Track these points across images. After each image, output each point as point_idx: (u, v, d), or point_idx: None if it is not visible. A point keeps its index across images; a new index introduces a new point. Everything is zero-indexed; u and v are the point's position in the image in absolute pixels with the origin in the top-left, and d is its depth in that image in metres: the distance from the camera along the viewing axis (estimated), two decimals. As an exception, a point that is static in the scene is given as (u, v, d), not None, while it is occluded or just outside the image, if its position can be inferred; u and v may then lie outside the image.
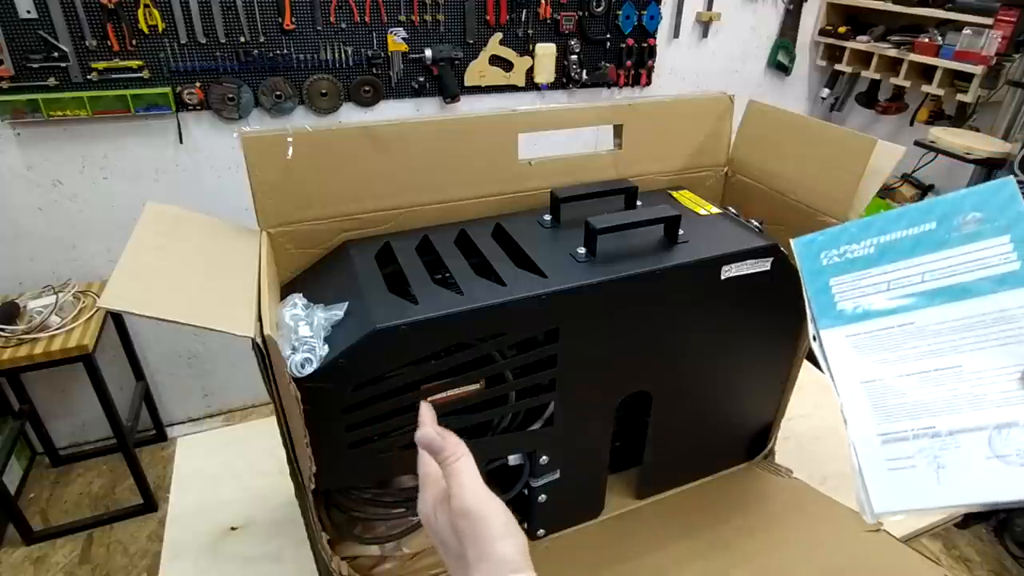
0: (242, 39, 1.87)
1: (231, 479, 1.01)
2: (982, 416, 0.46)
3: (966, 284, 0.49)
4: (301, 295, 0.66)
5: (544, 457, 0.78)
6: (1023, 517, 1.77)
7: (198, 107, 1.90)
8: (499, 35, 2.15)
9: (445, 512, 0.44)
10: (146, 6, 1.74)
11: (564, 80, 2.32)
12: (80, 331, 1.71)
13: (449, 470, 0.45)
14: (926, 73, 2.22)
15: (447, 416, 0.70)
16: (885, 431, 0.48)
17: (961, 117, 2.24)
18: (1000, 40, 1.94)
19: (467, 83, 2.18)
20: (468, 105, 2.22)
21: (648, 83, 2.46)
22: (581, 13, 2.22)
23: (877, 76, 2.40)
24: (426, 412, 0.50)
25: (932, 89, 2.18)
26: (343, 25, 1.96)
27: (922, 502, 0.46)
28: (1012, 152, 1.81)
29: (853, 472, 0.48)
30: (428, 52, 2.07)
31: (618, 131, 0.91)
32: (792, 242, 0.56)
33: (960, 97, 2.12)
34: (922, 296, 0.50)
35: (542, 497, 0.81)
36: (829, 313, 0.53)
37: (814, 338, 0.53)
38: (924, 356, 0.49)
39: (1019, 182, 0.48)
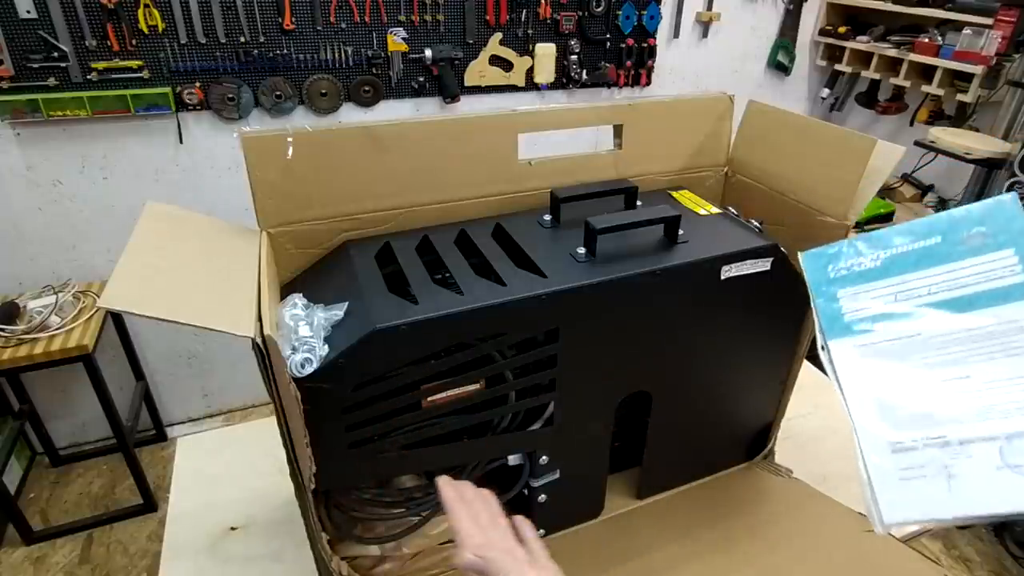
0: (242, 39, 1.87)
1: (231, 479, 1.01)
2: (993, 426, 0.46)
3: (972, 296, 0.49)
4: (301, 295, 0.66)
5: (544, 457, 0.78)
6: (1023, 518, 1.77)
7: (198, 107, 1.90)
8: (499, 35, 2.15)
9: None
10: (146, 6, 1.74)
11: (564, 80, 2.31)
12: (80, 331, 1.71)
13: None
14: (926, 73, 2.22)
15: (447, 416, 0.70)
16: (895, 440, 0.47)
17: (961, 117, 2.24)
18: (1000, 40, 1.94)
19: (467, 83, 2.18)
20: (468, 105, 2.22)
21: (648, 83, 2.46)
22: (581, 13, 2.22)
23: (877, 76, 2.39)
24: (468, 528, 0.48)
25: (932, 89, 2.18)
26: (343, 25, 1.96)
27: (933, 512, 0.46)
28: (1012, 152, 1.81)
29: (862, 482, 0.48)
30: (428, 52, 2.07)
31: (618, 131, 0.91)
32: (800, 256, 0.57)
33: (960, 97, 2.12)
34: (929, 307, 0.50)
35: (542, 497, 0.81)
36: (837, 324, 0.53)
37: (822, 348, 0.53)
38: (933, 366, 0.49)
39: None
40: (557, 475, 0.80)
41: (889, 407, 0.49)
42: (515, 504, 0.85)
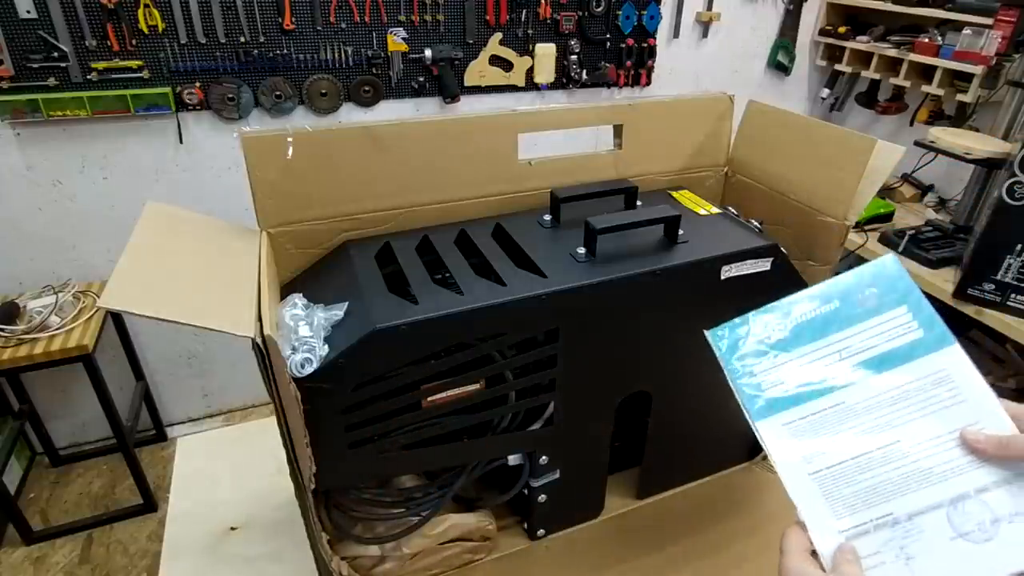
0: (242, 39, 1.87)
1: (231, 479, 1.01)
2: (934, 492, 0.45)
3: (882, 356, 0.49)
4: (301, 295, 0.66)
5: (544, 457, 0.78)
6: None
7: (198, 107, 1.90)
8: (499, 35, 2.15)
9: None
10: (146, 6, 1.74)
11: (564, 80, 2.31)
12: (80, 331, 1.71)
13: None
14: (926, 73, 2.22)
15: (447, 416, 0.70)
16: (845, 527, 0.45)
17: (961, 117, 2.24)
18: (1000, 40, 1.94)
19: (467, 83, 2.18)
20: (468, 105, 2.22)
21: (648, 83, 2.46)
22: (581, 13, 2.22)
23: (877, 76, 2.39)
24: None
25: (932, 89, 2.18)
26: (343, 25, 1.96)
27: None
28: (1012, 152, 1.80)
29: None
30: (428, 52, 2.07)
31: (618, 131, 0.91)
32: (706, 333, 0.55)
33: (960, 97, 2.12)
34: (844, 373, 0.49)
35: (542, 497, 0.81)
36: (760, 403, 0.51)
37: (753, 430, 0.51)
38: (862, 435, 0.47)
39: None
40: (557, 475, 0.80)
41: (831, 487, 0.47)
42: (515, 504, 0.85)
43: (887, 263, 0.51)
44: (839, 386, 0.49)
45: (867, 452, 0.47)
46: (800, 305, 0.52)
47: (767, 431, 0.50)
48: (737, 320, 0.54)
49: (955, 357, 0.48)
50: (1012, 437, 0.45)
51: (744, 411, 0.51)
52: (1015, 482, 0.44)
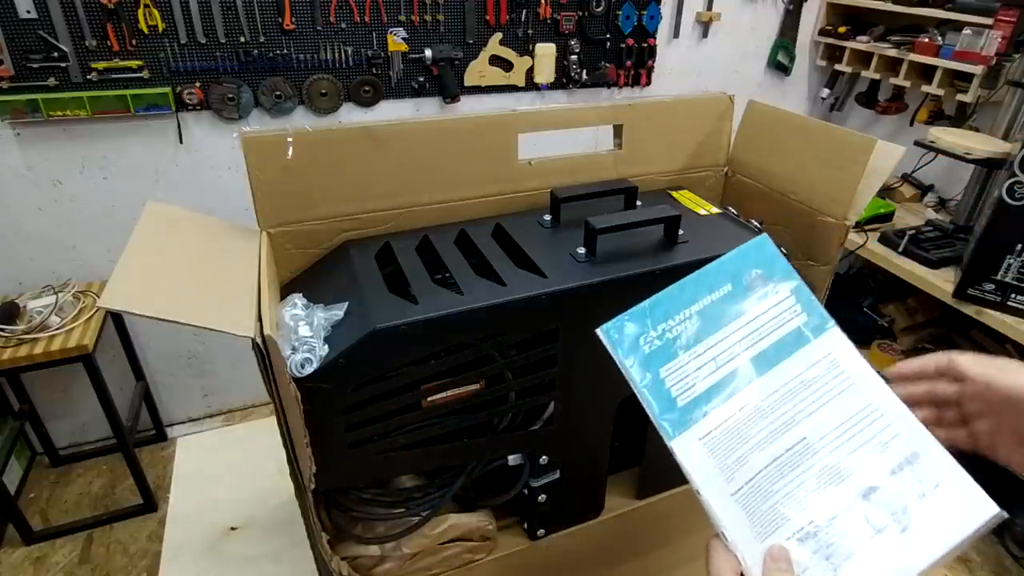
0: (242, 39, 1.87)
1: (231, 479, 1.01)
2: (847, 489, 0.43)
3: (776, 345, 0.47)
4: (301, 295, 0.66)
5: (544, 457, 0.78)
6: (1023, 517, 1.77)
7: (198, 107, 1.90)
8: (499, 35, 2.15)
9: None
10: (146, 6, 1.74)
11: (564, 80, 2.31)
12: (80, 331, 1.71)
13: None
14: (926, 73, 2.22)
15: (447, 416, 0.70)
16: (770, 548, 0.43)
17: (961, 117, 2.24)
18: (1000, 40, 1.94)
19: (467, 83, 2.18)
20: (468, 105, 2.22)
21: (648, 83, 2.46)
22: (581, 13, 2.22)
23: (877, 76, 2.39)
24: None
25: (932, 89, 2.18)
26: (343, 25, 1.96)
27: None
28: (1012, 152, 1.80)
29: None
30: (428, 52, 2.07)
31: (618, 131, 0.91)
32: (599, 332, 0.49)
33: (960, 97, 2.12)
34: (746, 368, 0.47)
35: (542, 497, 0.81)
36: (671, 414, 0.46)
37: (668, 447, 0.47)
38: (772, 438, 0.45)
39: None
40: (557, 475, 0.80)
41: (753, 504, 0.44)
42: (515, 504, 0.85)
43: (763, 242, 0.50)
44: (744, 385, 0.47)
45: (778, 457, 0.45)
46: (696, 292, 0.49)
47: (683, 450, 0.46)
48: (632, 312, 0.49)
49: (836, 339, 0.47)
50: (920, 361, 0.46)
51: (656, 423, 0.47)
52: (915, 460, 0.44)
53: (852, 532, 0.43)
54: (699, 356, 0.48)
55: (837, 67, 2.58)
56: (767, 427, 0.46)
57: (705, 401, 0.47)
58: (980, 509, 0.42)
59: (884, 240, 2.06)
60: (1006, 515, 0.42)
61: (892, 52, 2.27)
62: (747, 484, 0.45)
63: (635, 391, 0.48)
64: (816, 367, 0.47)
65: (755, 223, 0.81)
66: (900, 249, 1.99)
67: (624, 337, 0.48)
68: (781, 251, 0.51)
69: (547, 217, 0.83)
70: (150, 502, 1.99)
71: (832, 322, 0.48)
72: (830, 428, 0.45)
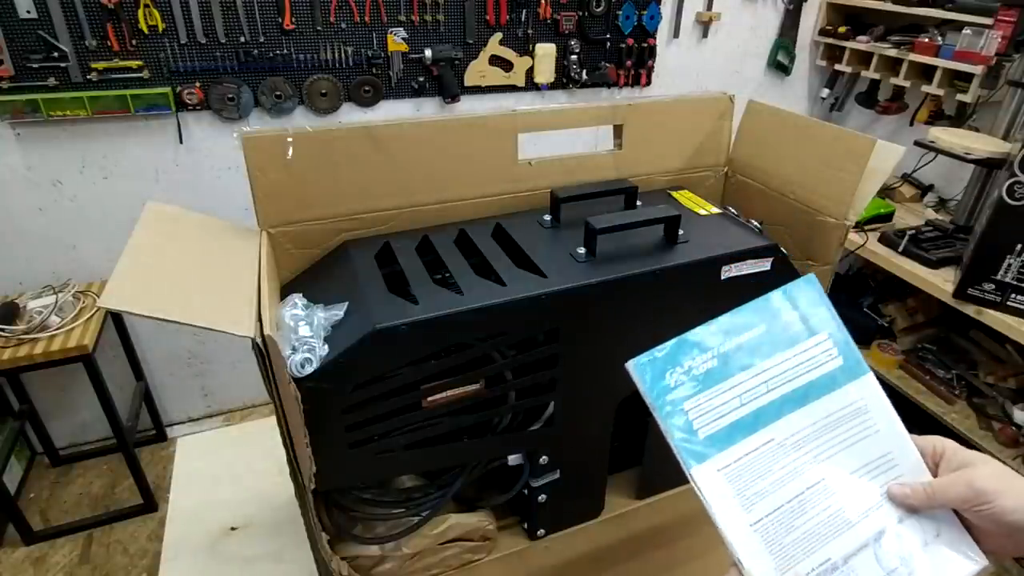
0: (242, 39, 1.87)
1: (231, 479, 1.01)
2: (860, 532, 0.45)
3: (806, 387, 0.48)
4: (301, 295, 0.66)
5: (544, 457, 0.78)
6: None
7: (198, 107, 1.90)
8: (499, 35, 2.15)
9: None
10: (146, 6, 1.74)
11: (564, 80, 2.31)
12: (80, 331, 1.71)
13: None
14: (926, 73, 2.22)
15: (447, 416, 0.70)
16: None
17: (961, 117, 2.24)
18: (1000, 40, 1.94)
19: (467, 83, 2.18)
20: (468, 105, 2.22)
21: (648, 83, 2.46)
22: (581, 13, 2.22)
23: (877, 76, 2.39)
24: None
25: (932, 89, 2.18)
26: (343, 25, 1.96)
27: None
28: (1012, 152, 1.80)
29: None
30: (428, 52, 2.07)
31: (618, 131, 0.91)
32: (628, 366, 0.49)
33: (960, 97, 2.12)
34: (772, 407, 0.48)
35: (542, 497, 0.81)
36: (693, 445, 0.47)
37: (688, 476, 0.47)
38: (793, 476, 0.46)
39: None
40: (557, 475, 0.80)
41: (773, 537, 0.45)
42: (515, 504, 0.85)
43: (808, 284, 0.51)
44: (769, 421, 0.47)
45: (800, 493, 0.46)
46: (728, 330, 0.49)
47: (703, 479, 0.46)
48: (661, 348, 0.49)
49: (869, 386, 0.48)
50: (935, 487, 0.45)
51: (676, 453, 0.47)
52: (919, 511, 0.46)
53: (865, 572, 0.44)
54: (725, 392, 0.48)
55: (837, 67, 2.58)
56: (791, 464, 0.47)
57: (728, 435, 0.47)
58: (973, 560, 0.45)
59: (884, 240, 2.06)
60: (992, 567, 0.43)
61: (892, 52, 2.27)
62: (768, 516, 0.46)
63: (659, 423, 0.48)
64: (844, 411, 0.48)
65: (755, 223, 0.81)
66: (900, 249, 1.99)
67: (652, 372, 0.49)
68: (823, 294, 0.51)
69: (547, 217, 0.83)
70: (150, 502, 1.99)
71: (866, 368, 0.49)
72: (850, 471, 0.47)
